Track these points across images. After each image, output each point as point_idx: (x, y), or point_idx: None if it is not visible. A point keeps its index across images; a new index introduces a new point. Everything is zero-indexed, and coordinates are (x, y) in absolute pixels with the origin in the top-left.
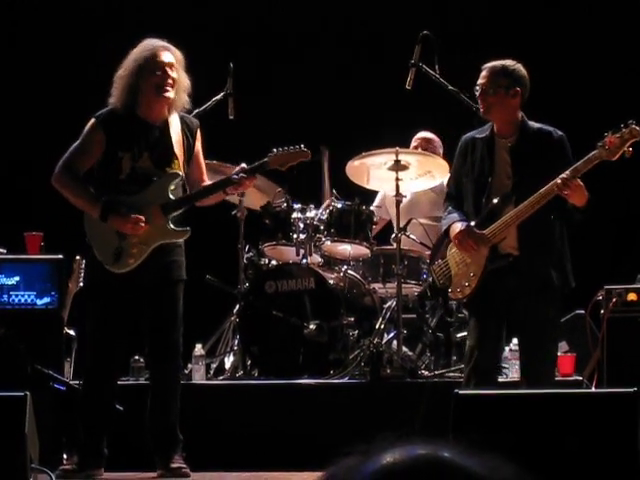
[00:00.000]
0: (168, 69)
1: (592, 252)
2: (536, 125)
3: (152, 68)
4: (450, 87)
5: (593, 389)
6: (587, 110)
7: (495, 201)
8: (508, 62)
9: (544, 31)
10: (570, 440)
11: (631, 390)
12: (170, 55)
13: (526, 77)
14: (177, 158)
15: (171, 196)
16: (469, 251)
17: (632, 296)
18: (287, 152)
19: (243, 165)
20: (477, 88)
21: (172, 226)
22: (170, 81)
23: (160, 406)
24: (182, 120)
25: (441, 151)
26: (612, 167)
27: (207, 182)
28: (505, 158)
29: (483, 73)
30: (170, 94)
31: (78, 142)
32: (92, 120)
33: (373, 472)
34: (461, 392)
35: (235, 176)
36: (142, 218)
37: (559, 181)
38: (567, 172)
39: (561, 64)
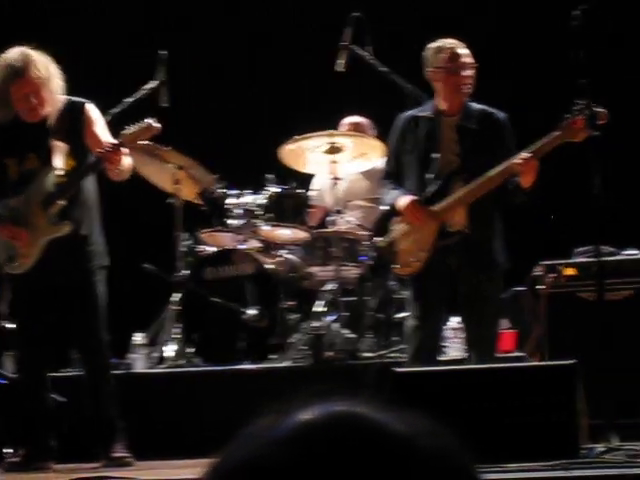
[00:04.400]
0: (28, 97)
1: (524, 228)
2: (478, 105)
3: (13, 97)
4: (381, 68)
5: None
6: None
7: (442, 179)
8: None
9: (479, 10)
10: (510, 412)
11: (569, 362)
12: (23, 84)
13: None
14: (58, 149)
15: (52, 190)
16: (418, 224)
17: (570, 271)
18: (138, 129)
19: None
20: (471, 67)
21: (52, 222)
22: (32, 108)
23: (93, 398)
24: (64, 107)
25: (372, 133)
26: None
27: None
28: (451, 136)
29: (467, 51)
30: (34, 115)
31: None
32: None
33: (289, 429)
34: (398, 370)
35: (100, 154)
36: (18, 231)
37: (520, 159)
38: (529, 151)
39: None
